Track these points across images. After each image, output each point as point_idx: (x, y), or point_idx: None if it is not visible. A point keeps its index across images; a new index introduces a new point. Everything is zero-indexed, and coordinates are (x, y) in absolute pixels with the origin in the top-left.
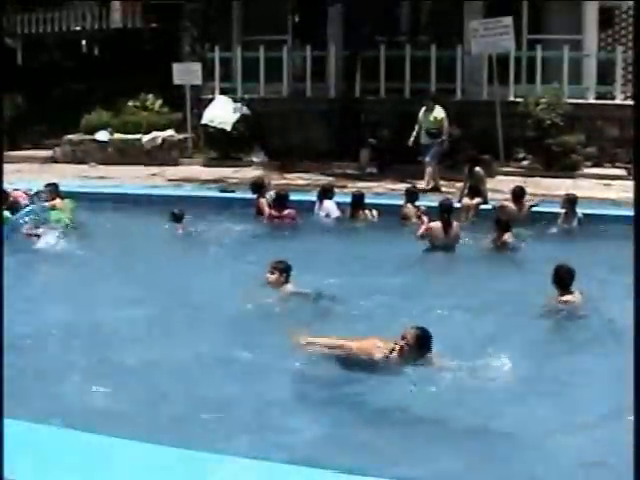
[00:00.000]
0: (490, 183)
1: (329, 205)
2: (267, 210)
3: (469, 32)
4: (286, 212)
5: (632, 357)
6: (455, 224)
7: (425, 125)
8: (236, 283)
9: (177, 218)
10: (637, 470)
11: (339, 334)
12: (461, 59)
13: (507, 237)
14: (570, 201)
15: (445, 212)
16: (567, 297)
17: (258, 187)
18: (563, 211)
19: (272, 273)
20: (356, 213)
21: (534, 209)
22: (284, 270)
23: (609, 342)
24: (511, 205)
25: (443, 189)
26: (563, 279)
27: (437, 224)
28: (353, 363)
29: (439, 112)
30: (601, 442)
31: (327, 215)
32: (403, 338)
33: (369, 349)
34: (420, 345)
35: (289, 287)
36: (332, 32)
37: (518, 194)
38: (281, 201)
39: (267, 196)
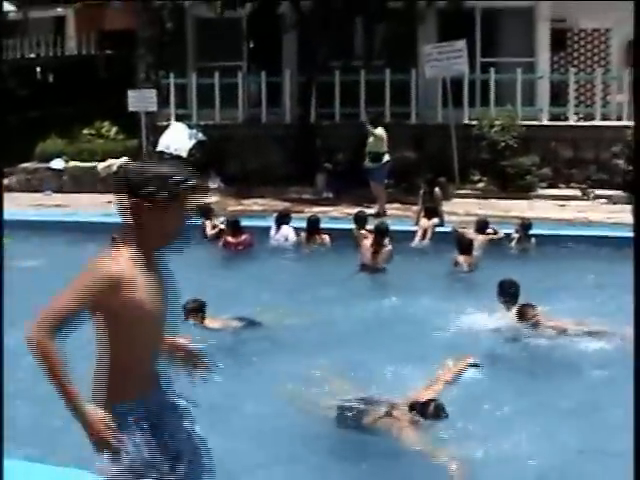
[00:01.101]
0: (446, 205)
1: (286, 230)
2: (211, 232)
3: (423, 56)
4: (242, 238)
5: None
6: (389, 248)
7: (367, 148)
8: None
9: None
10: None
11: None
12: (415, 83)
13: (463, 260)
14: (524, 226)
15: (379, 234)
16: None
17: (205, 211)
18: (517, 235)
19: (187, 317)
20: (312, 238)
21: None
22: (195, 310)
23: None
24: (471, 233)
25: (399, 212)
26: (508, 292)
27: (366, 244)
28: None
29: (379, 133)
30: None
31: (284, 240)
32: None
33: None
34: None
35: (207, 323)
36: (287, 58)
37: (481, 226)
38: (236, 227)
39: (216, 221)
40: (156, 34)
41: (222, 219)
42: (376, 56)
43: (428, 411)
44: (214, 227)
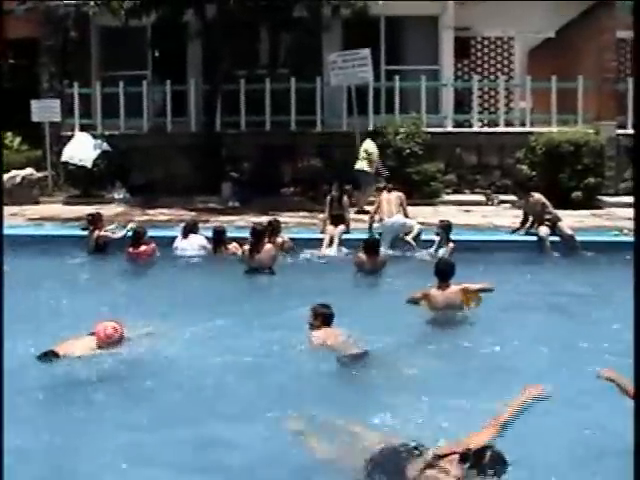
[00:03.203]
0: (352, 213)
1: (193, 240)
2: (91, 243)
3: (328, 64)
4: (143, 248)
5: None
6: (269, 247)
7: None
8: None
9: None
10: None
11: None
12: (320, 91)
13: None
14: (444, 228)
15: (254, 236)
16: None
17: (94, 220)
18: (438, 238)
19: None
20: (218, 248)
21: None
22: None
23: None
24: (362, 257)
25: (305, 220)
26: (442, 271)
27: (247, 249)
28: None
29: (369, 145)
30: None
31: (190, 250)
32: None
33: None
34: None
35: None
36: (192, 66)
37: (371, 247)
38: (137, 237)
39: (110, 231)
40: (60, 43)
41: (112, 226)
42: (281, 64)
43: (483, 461)
44: (99, 238)
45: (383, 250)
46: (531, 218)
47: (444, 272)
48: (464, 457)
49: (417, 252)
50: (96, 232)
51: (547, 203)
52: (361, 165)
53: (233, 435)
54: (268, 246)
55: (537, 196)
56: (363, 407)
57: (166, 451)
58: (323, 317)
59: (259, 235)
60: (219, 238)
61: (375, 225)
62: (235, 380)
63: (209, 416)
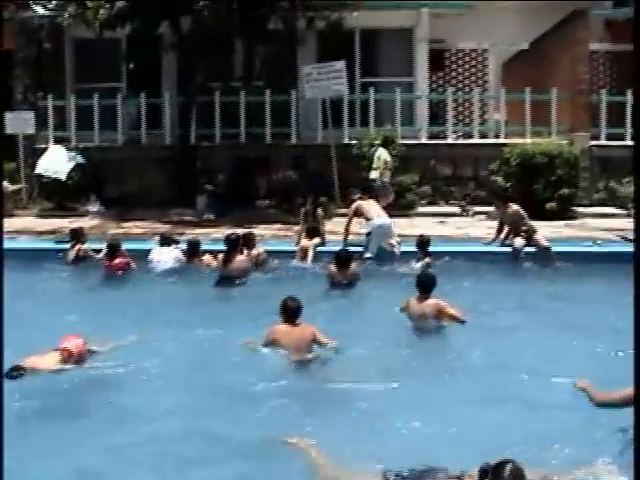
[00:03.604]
0: (327, 225)
1: (168, 252)
2: (71, 256)
3: (303, 77)
4: (117, 261)
5: None
6: (242, 257)
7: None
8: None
9: None
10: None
11: None
12: (295, 103)
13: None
14: (422, 243)
15: (227, 245)
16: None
17: (77, 235)
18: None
19: None
20: (192, 260)
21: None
22: None
23: None
24: (333, 269)
25: (280, 232)
26: (423, 283)
27: (220, 258)
28: None
29: (381, 153)
30: None
31: (165, 262)
32: None
33: None
34: None
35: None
36: (167, 79)
37: (342, 259)
38: (112, 250)
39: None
40: (34, 54)
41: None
42: (256, 77)
43: (503, 476)
44: (79, 251)
45: (369, 253)
46: (506, 229)
47: (425, 285)
48: (484, 471)
49: (397, 264)
50: (78, 246)
51: (524, 214)
52: (377, 174)
53: (202, 449)
54: (241, 257)
55: (515, 207)
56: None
57: (130, 465)
58: (285, 311)
59: (233, 244)
60: (193, 250)
61: (364, 228)
62: (202, 390)
63: (177, 429)
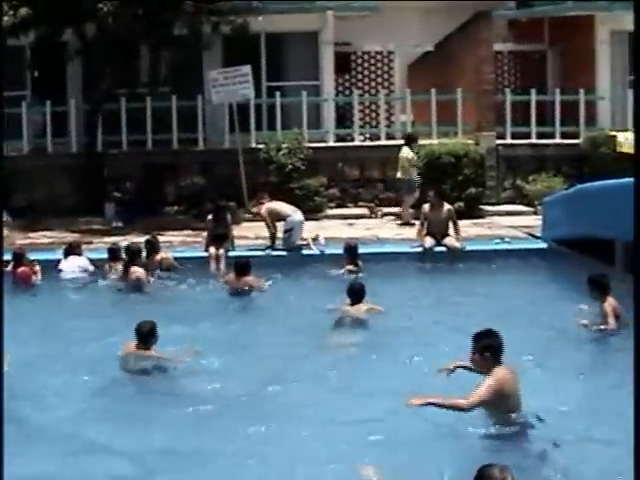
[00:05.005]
0: (236, 230)
1: (75, 261)
2: None
3: (209, 82)
4: (21, 269)
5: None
6: (136, 269)
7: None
8: None
9: None
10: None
11: None
12: (202, 109)
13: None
14: (349, 249)
15: (129, 255)
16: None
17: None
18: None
19: None
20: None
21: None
22: None
23: None
24: (231, 277)
25: (189, 239)
26: (354, 292)
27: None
28: None
29: (403, 151)
30: None
31: (72, 272)
32: None
33: None
34: None
35: None
36: (72, 86)
37: (241, 267)
38: (17, 258)
39: None
40: None
41: None
42: (162, 83)
43: None
44: None
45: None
46: (426, 226)
47: (357, 293)
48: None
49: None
50: None
51: (454, 217)
52: (404, 174)
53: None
54: (136, 268)
55: (448, 207)
56: None
57: None
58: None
59: (132, 254)
60: (114, 256)
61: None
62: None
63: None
